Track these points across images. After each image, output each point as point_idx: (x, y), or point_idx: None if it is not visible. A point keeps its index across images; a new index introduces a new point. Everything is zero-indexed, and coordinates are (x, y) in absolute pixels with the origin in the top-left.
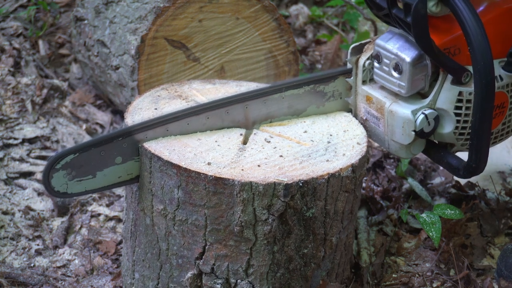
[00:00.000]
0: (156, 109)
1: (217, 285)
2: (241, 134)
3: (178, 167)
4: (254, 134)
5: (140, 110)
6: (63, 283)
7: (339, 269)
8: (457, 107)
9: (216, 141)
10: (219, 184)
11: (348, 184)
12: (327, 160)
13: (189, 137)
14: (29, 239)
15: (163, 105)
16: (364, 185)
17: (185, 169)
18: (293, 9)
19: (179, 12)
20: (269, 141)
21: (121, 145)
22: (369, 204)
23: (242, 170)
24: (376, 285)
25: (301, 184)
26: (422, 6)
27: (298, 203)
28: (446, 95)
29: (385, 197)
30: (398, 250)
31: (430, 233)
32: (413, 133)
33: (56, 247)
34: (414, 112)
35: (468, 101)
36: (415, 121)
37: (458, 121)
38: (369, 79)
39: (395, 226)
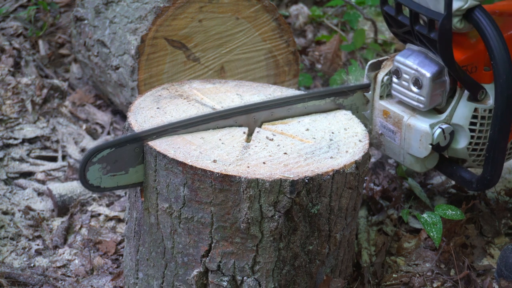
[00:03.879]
0: (158, 108)
1: (224, 283)
2: (244, 132)
3: (184, 164)
4: (257, 132)
5: (142, 109)
6: (63, 283)
7: (342, 266)
8: (472, 123)
9: (220, 139)
10: (226, 181)
11: (352, 180)
12: (331, 157)
13: (192, 135)
14: (29, 239)
15: (165, 104)
16: (364, 185)
17: (191, 167)
18: (293, 9)
19: (179, 12)
20: (272, 139)
21: None
22: (369, 204)
23: (248, 167)
24: (377, 284)
25: (307, 181)
26: (447, 22)
27: (304, 200)
28: (462, 111)
29: (385, 197)
30: (398, 250)
31: (431, 233)
32: (430, 146)
33: (56, 247)
34: (432, 126)
35: (483, 117)
36: (433, 135)
37: (472, 137)
38: (386, 94)
39: (395, 226)
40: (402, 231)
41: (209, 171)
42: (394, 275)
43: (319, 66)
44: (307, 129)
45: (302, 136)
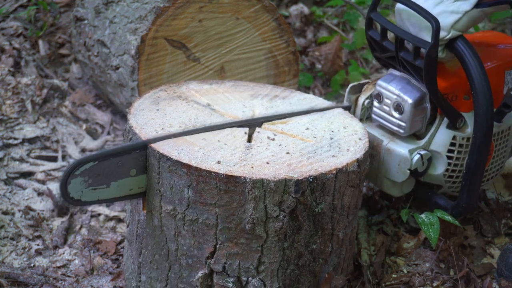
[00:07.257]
0: (158, 110)
1: (229, 284)
2: (245, 133)
3: (188, 166)
4: (258, 132)
5: (142, 111)
6: (63, 283)
7: (344, 264)
8: (450, 150)
9: (222, 140)
10: (231, 182)
11: (354, 178)
12: (333, 156)
13: (194, 136)
14: (29, 239)
15: (164, 105)
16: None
17: (196, 168)
18: (293, 9)
19: (179, 12)
20: (273, 139)
21: (138, 158)
22: (369, 204)
23: (252, 167)
24: (377, 284)
25: (311, 180)
26: (434, 51)
27: (308, 199)
28: (441, 138)
29: (385, 197)
30: (398, 250)
31: (428, 234)
32: (408, 171)
33: (56, 247)
34: (410, 152)
35: (461, 145)
36: (411, 160)
37: (449, 164)
38: (365, 118)
39: (395, 226)
40: (402, 231)
41: (214, 172)
42: (394, 275)
43: (319, 66)
44: (307, 128)
45: (303, 135)
